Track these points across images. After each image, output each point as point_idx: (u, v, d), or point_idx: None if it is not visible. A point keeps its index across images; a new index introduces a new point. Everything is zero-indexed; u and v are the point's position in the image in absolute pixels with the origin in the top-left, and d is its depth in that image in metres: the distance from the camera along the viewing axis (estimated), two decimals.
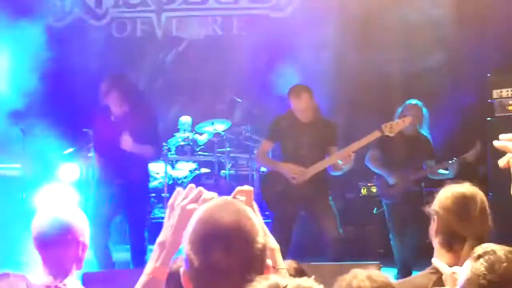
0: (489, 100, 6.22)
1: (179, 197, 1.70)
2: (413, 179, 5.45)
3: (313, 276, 1.36)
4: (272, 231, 4.89)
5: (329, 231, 4.65)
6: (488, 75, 6.32)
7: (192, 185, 1.72)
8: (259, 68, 9.26)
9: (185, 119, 8.51)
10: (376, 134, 4.82)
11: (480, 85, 6.48)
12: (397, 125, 4.80)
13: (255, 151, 7.73)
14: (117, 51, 9.31)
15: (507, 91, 6.17)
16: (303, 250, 5.47)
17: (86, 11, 9.34)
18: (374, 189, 6.96)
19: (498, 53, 7.44)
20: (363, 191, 6.96)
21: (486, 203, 2.38)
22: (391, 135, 4.84)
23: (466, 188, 2.34)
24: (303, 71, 9.14)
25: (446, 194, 2.33)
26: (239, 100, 8.58)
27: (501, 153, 2.00)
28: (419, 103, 5.62)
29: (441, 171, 5.47)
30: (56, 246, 2.41)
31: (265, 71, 9.23)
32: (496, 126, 6.02)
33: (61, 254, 2.43)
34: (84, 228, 2.49)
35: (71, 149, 7.55)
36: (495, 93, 6.21)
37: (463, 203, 2.30)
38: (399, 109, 5.53)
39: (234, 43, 9.19)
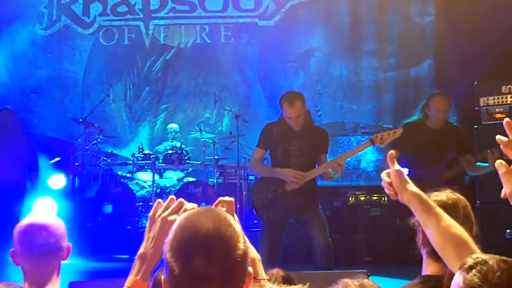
0: (476, 108, 6.25)
1: (160, 209, 1.69)
2: (447, 177, 4.90)
3: (307, 284, 1.34)
4: (262, 239, 4.87)
5: (318, 240, 4.63)
6: (475, 83, 6.36)
7: (173, 197, 1.71)
8: (247, 76, 9.27)
9: (173, 126, 8.49)
10: (367, 144, 4.77)
11: (467, 93, 6.51)
12: (388, 136, 4.67)
13: (243, 159, 7.72)
14: (104, 59, 9.29)
15: (494, 99, 6.21)
16: (291, 258, 5.46)
17: (74, 19, 9.31)
18: (362, 197, 6.97)
19: (485, 61, 7.50)
20: (351, 199, 6.96)
21: (469, 208, 2.38)
22: (382, 146, 4.72)
23: (446, 195, 2.34)
24: (291, 79, 9.17)
25: None
26: (227, 108, 8.57)
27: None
28: (444, 92, 5.28)
29: (480, 163, 4.94)
30: (49, 255, 2.39)
31: (253, 79, 9.24)
32: (483, 134, 6.05)
33: (49, 263, 2.40)
34: (65, 233, 2.49)
35: (57, 158, 7.50)
36: (482, 100, 6.24)
37: (447, 211, 2.29)
38: (423, 102, 5.24)
39: (222, 51, 9.20)
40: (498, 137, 1.75)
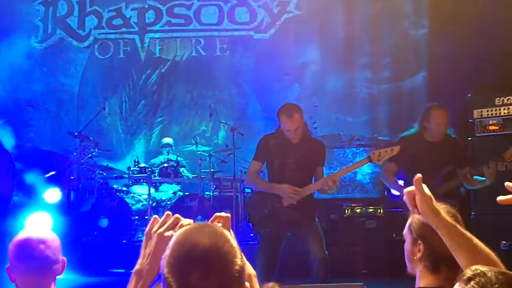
0: (470, 120, 6.28)
1: (156, 225, 1.69)
2: (444, 190, 4.85)
3: None
4: (259, 253, 4.83)
5: (315, 253, 4.60)
6: (469, 95, 6.39)
7: (169, 213, 1.71)
8: (242, 89, 9.30)
9: (167, 140, 8.49)
10: (364, 162, 4.75)
11: (461, 105, 6.54)
12: (385, 153, 4.64)
13: (239, 172, 7.71)
14: (100, 72, 9.31)
15: (488, 111, 6.24)
16: (288, 271, 5.44)
17: (69, 32, 9.33)
18: (358, 210, 6.96)
19: (478, 73, 7.54)
20: (347, 212, 6.96)
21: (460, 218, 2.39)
22: (379, 163, 4.70)
23: (445, 208, 2.34)
24: (286, 91, 9.19)
25: None
26: (223, 121, 8.58)
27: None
28: (443, 106, 5.21)
29: (477, 177, 4.90)
30: (46, 269, 2.38)
31: (249, 92, 9.27)
32: (476, 146, 6.07)
33: (46, 277, 2.40)
34: (60, 247, 2.49)
35: (52, 172, 7.48)
36: (476, 113, 6.27)
37: None
38: (421, 115, 5.17)
39: (217, 64, 9.23)
40: (506, 183, 1.79)
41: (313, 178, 4.86)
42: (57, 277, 2.50)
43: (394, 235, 6.37)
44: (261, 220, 4.76)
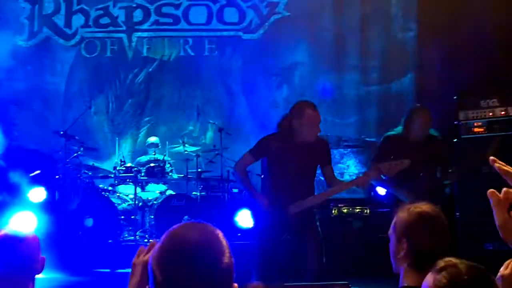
0: (455, 122, 6.31)
1: (142, 254, 1.68)
2: (429, 189, 4.85)
3: None
4: (256, 254, 4.67)
5: (312, 263, 4.52)
6: (455, 97, 6.43)
7: (153, 242, 1.66)
8: (230, 89, 9.28)
9: (152, 140, 8.45)
10: (367, 178, 4.65)
11: (447, 106, 6.58)
12: (395, 167, 4.54)
13: (227, 172, 7.69)
14: (86, 71, 9.25)
15: (473, 113, 6.28)
16: (282, 271, 5.41)
17: (55, 30, 9.26)
18: (345, 210, 6.98)
19: (465, 75, 7.59)
20: (334, 212, 6.96)
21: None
22: (390, 175, 4.60)
23: (428, 207, 2.35)
24: (275, 92, 9.20)
25: (411, 216, 2.32)
26: (210, 121, 8.56)
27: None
28: (426, 107, 5.28)
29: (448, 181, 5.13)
30: (24, 268, 2.35)
31: (237, 92, 9.26)
32: (461, 148, 6.11)
33: (25, 276, 2.37)
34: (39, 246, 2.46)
35: (37, 171, 7.41)
36: (461, 115, 6.31)
37: (431, 222, 2.30)
38: (405, 116, 5.19)
39: (206, 64, 9.21)
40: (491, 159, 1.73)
41: (321, 178, 4.75)
42: (40, 276, 2.47)
43: (380, 235, 6.38)
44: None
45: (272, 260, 4.57)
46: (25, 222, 6.50)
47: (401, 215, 2.33)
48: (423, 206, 2.35)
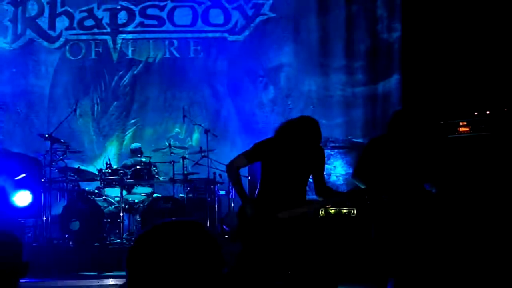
0: (441, 122, 6.35)
1: None
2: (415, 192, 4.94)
3: None
4: (242, 258, 4.63)
5: (301, 263, 4.51)
6: (440, 97, 6.47)
7: None
8: (216, 91, 9.26)
9: (135, 145, 8.41)
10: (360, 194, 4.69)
11: (433, 106, 6.62)
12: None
13: (213, 174, 7.67)
14: (71, 73, 9.17)
15: (459, 113, 6.33)
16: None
17: (39, 33, 9.18)
18: (332, 211, 6.98)
19: (450, 75, 7.64)
20: (321, 213, 6.97)
21: None
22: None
23: None
24: (261, 93, 9.19)
25: None
26: (197, 123, 8.53)
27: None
28: (409, 109, 5.27)
29: None
30: (8, 272, 2.32)
31: (223, 94, 9.23)
32: (448, 147, 6.15)
33: (8, 280, 2.33)
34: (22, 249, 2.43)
35: (23, 175, 7.34)
36: (447, 115, 6.35)
37: None
38: (389, 119, 5.30)
39: (191, 66, 9.17)
40: None
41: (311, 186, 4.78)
42: (25, 280, 2.44)
43: (367, 236, 6.39)
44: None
45: (259, 264, 4.55)
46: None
47: None
48: None
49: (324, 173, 4.75)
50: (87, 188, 7.88)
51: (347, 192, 5.06)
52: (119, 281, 5.82)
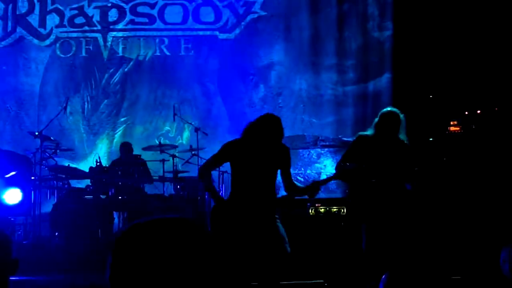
0: (431, 120, 6.39)
1: None
2: (395, 191, 5.15)
3: None
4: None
5: (273, 253, 4.59)
6: (431, 96, 6.50)
7: None
8: (207, 89, 9.25)
9: (125, 145, 8.38)
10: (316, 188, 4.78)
11: (424, 105, 6.66)
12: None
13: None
14: (61, 71, 9.14)
15: (449, 112, 6.37)
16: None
17: (30, 30, 9.14)
18: (322, 210, 7.00)
19: (441, 74, 7.68)
20: (311, 212, 6.98)
21: None
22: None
23: None
24: (251, 92, 9.20)
25: None
26: (189, 122, 8.53)
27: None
28: (395, 110, 5.43)
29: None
30: (1, 271, 2.32)
31: (214, 92, 9.23)
32: (437, 146, 6.19)
33: (2, 280, 2.34)
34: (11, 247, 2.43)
35: (13, 173, 7.31)
36: (438, 114, 6.39)
37: None
38: (376, 119, 5.38)
39: (182, 64, 9.17)
40: None
41: (280, 183, 4.86)
42: (15, 278, 2.44)
43: (357, 234, 6.42)
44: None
45: (234, 265, 4.62)
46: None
47: None
48: None
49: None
50: (77, 186, 7.86)
51: (336, 173, 5.23)
52: None
